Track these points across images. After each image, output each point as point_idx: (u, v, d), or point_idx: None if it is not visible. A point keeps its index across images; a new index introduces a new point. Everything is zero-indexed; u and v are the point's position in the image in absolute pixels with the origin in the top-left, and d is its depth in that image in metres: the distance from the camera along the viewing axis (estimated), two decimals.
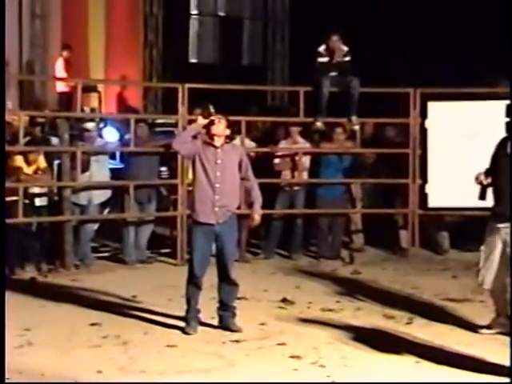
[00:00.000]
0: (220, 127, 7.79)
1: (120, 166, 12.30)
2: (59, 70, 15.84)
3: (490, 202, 7.77)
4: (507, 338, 6.94)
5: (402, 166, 11.65)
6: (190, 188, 8.54)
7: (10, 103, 13.59)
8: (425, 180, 11.62)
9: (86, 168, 10.83)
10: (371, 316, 8.40)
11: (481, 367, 6.65)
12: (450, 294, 9.26)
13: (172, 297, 8.75)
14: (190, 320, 7.82)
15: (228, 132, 7.88)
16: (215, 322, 7.94)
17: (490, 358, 6.85)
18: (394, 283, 9.96)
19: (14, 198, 10.16)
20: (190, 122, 9.69)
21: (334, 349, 7.29)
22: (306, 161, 11.68)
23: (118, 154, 12.80)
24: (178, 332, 7.76)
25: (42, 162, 10.53)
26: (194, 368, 6.77)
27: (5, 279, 9.28)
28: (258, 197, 7.95)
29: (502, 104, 10.87)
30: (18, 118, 10.89)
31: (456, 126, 11.43)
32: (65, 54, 16.00)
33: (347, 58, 11.57)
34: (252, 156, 10.78)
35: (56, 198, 10.76)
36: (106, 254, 11.49)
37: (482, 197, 7.76)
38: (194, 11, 19.59)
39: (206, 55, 19.68)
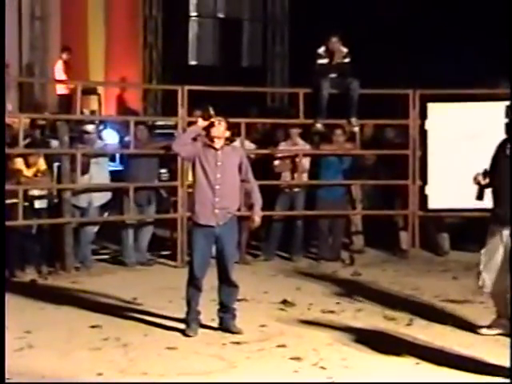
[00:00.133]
0: (220, 129, 7.78)
1: (120, 168, 12.29)
2: (59, 72, 15.84)
3: (488, 202, 7.77)
4: (508, 340, 6.93)
5: (401, 168, 11.64)
6: (190, 190, 8.55)
7: (9, 105, 13.61)
8: (425, 181, 11.61)
9: (85, 170, 10.82)
10: (371, 317, 8.39)
11: (481, 368, 6.65)
12: (450, 295, 9.25)
13: (172, 299, 8.74)
14: (190, 322, 7.81)
15: (228, 134, 7.87)
16: (215, 324, 7.93)
17: (491, 359, 6.85)
18: (394, 284, 9.96)
19: (14, 201, 10.15)
20: (190, 123, 9.67)
21: (335, 350, 7.29)
22: (305, 162, 11.67)
23: (117, 156, 12.80)
24: (178, 334, 7.76)
25: (41, 164, 10.53)
26: (195, 370, 6.77)
27: (5, 281, 9.29)
28: (258, 199, 7.94)
29: (502, 105, 10.88)
30: (17, 121, 10.89)
31: (456, 127, 11.41)
32: (64, 56, 16.00)
33: (347, 60, 11.58)
34: (252, 158, 10.78)
35: (56, 200, 10.74)
36: (106, 257, 11.47)
37: (480, 197, 7.75)
38: (193, 13, 19.55)
39: (206, 57, 19.64)
